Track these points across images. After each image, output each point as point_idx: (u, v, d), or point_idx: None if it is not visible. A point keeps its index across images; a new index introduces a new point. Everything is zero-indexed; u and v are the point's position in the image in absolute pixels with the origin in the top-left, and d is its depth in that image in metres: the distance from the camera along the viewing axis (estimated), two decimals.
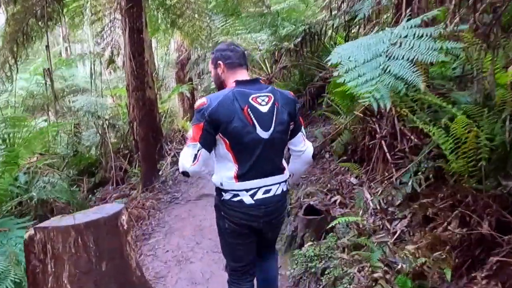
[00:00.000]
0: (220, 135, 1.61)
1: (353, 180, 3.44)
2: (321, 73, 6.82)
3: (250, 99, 1.60)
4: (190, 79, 14.50)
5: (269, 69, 9.23)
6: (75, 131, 9.57)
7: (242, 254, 1.80)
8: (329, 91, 4.47)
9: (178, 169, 6.80)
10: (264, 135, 1.62)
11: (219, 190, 1.71)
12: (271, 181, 1.68)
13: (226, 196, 1.68)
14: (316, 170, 4.06)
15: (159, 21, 8.17)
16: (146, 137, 5.99)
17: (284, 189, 1.77)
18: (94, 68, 7.30)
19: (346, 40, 6.24)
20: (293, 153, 1.84)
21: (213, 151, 1.68)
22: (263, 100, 1.62)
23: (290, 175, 1.83)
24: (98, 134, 8.18)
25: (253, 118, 1.60)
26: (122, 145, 8.40)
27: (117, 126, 8.16)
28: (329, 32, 6.55)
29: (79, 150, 8.54)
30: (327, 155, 4.26)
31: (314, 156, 1.84)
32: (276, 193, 1.71)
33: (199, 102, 1.61)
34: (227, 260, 1.88)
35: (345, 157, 3.86)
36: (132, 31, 5.70)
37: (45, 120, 8.56)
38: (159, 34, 9.13)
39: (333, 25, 6.41)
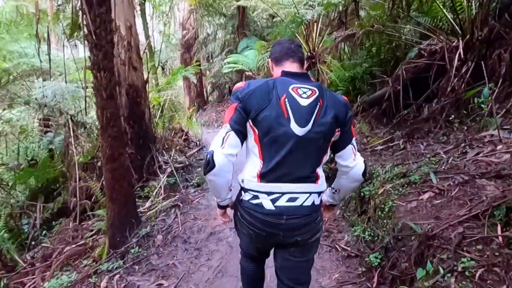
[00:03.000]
0: (250, 122, 1.41)
1: None
2: (422, 44, 3.96)
3: (290, 89, 1.40)
4: (198, 62, 11.77)
5: (314, 41, 6.32)
6: (39, 129, 6.93)
7: (255, 251, 1.73)
8: None
9: (176, 205, 3.87)
10: (298, 131, 1.38)
11: (240, 189, 1.55)
12: (298, 189, 1.44)
13: (245, 196, 1.50)
14: None
15: None
16: (114, 157, 3.25)
17: (317, 203, 1.49)
18: (47, 37, 4.53)
19: None
20: (341, 168, 1.55)
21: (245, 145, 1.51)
22: (304, 93, 1.40)
23: (335, 191, 1.68)
24: (59, 138, 5.52)
25: (289, 110, 1.38)
26: (96, 154, 5.70)
27: (87, 127, 5.43)
28: None
29: (38, 158, 5.87)
30: None
31: (365, 174, 1.51)
32: (304, 204, 1.45)
33: (237, 85, 1.48)
34: (240, 242, 1.79)
35: None
36: None
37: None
38: None
39: None
